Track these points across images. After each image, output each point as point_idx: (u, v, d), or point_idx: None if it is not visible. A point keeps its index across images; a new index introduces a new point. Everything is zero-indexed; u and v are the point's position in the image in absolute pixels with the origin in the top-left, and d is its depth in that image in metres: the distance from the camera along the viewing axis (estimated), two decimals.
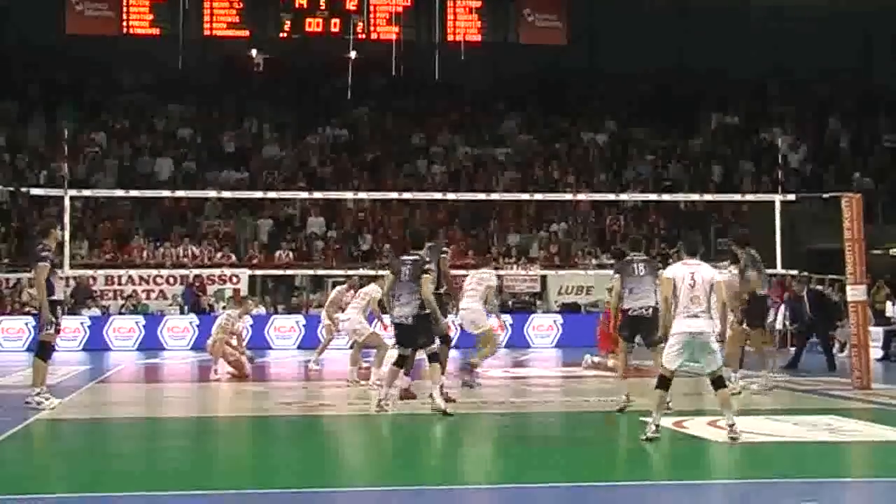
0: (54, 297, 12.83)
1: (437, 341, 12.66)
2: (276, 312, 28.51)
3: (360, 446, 11.18)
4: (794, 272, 20.76)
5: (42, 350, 12.97)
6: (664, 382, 10.48)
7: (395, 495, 8.18)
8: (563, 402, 14.19)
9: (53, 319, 12.68)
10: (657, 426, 10.32)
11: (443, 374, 13.01)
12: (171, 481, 8.61)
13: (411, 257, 12.72)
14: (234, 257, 30.16)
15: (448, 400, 12.63)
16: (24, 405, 12.60)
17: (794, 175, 34.70)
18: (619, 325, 13.25)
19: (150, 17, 36.07)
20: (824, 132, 38.84)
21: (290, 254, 30.42)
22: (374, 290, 16.30)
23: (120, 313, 27.66)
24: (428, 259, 12.75)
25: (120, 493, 8.06)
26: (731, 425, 10.25)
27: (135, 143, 35.55)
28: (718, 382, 10.47)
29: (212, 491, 8.17)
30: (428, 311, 12.43)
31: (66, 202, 16.75)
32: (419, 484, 8.59)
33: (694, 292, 10.37)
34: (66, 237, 17.42)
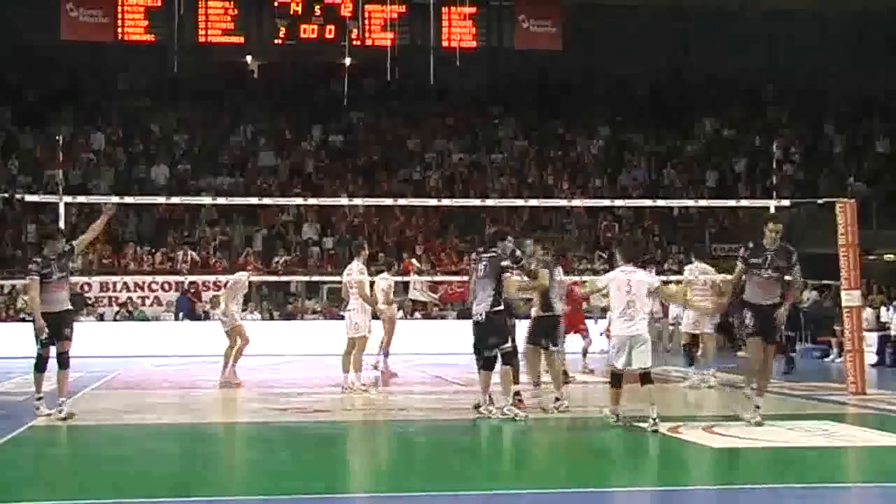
0: (49, 310, 12.44)
1: (511, 342, 12.38)
2: (271, 319, 28.48)
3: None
4: (789, 277, 20.77)
5: (36, 361, 12.70)
6: (617, 380, 11.51)
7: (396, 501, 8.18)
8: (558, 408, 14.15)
9: (45, 332, 12.39)
10: (618, 415, 11.51)
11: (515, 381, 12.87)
12: (164, 488, 8.60)
13: (489, 254, 12.41)
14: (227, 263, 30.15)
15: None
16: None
17: (788, 180, 34.77)
18: (534, 331, 13.30)
19: (145, 23, 36.03)
20: (819, 137, 38.90)
21: (286, 260, 30.40)
22: (356, 271, 15.85)
23: (115, 320, 27.63)
24: (506, 256, 12.41)
25: (114, 499, 8.05)
26: (654, 419, 11.15)
27: (130, 149, 35.55)
28: (646, 378, 11.49)
29: (208, 497, 8.16)
30: (501, 308, 12.21)
31: (62, 208, 16.71)
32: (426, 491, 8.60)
33: (630, 297, 11.35)
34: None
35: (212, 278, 28.01)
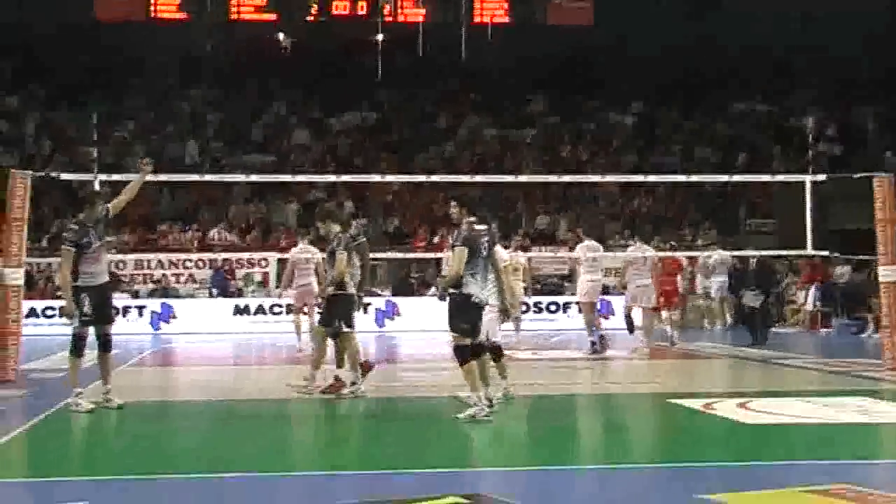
0: (80, 283, 11.22)
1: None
2: None
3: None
4: (825, 253, 20.62)
5: (72, 344, 11.44)
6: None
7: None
8: (592, 385, 14.14)
9: (74, 309, 11.17)
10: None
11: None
12: (196, 464, 8.67)
13: (484, 227, 10.86)
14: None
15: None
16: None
17: (822, 155, 34.46)
18: (328, 311, 12.68)
19: (178, 1, 36.17)
20: (853, 112, 38.51)
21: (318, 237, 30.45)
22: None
23: (149, 297, 27.83)
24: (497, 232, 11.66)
25: (148, 476, 8.13)
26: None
27: (162, 127, 35.70)
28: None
29: (232, 473, 8.21)
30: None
31: (96, 186, 16.80)
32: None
33: None
34: None
35: (245, 255, 28.12)
